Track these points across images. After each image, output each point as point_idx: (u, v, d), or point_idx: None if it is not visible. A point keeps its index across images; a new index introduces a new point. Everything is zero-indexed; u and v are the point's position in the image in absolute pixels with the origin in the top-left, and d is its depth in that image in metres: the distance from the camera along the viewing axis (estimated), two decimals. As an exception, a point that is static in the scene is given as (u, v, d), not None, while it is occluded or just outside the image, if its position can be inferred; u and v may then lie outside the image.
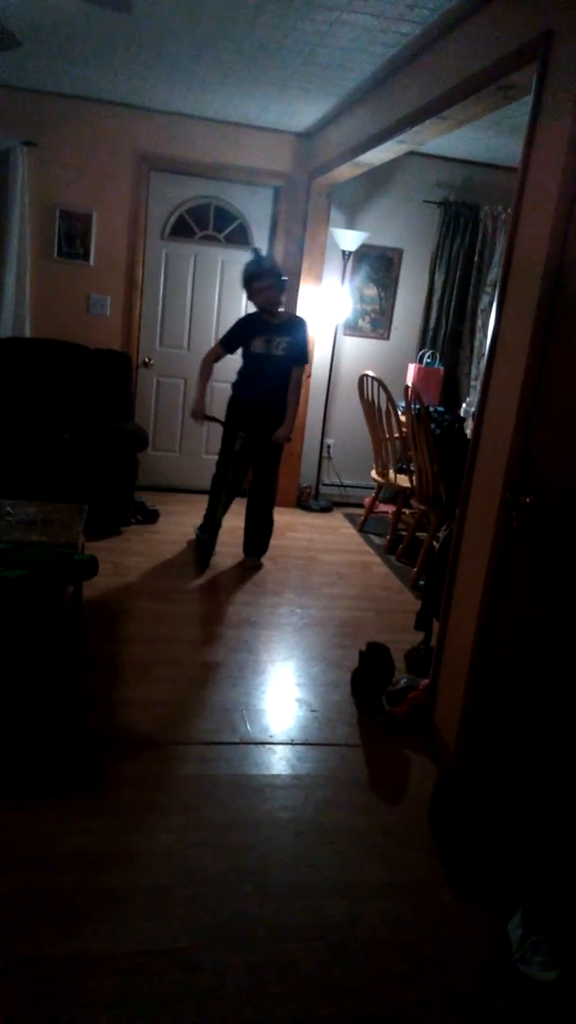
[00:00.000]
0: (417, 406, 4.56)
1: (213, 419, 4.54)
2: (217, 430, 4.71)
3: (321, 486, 6.24)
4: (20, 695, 2.63)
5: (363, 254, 5.89)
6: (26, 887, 2.07)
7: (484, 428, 2.68)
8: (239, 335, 4.43)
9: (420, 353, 6.00)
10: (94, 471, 4.84)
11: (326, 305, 5.88)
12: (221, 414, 4.60)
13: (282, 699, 3.24)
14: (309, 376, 5.88)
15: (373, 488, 5.69)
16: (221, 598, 4.18)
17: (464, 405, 5.63)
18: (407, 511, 5.38)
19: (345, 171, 4.95)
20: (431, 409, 5.02)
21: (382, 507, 5.82)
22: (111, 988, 1.80)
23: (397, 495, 5.37)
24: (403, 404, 5.04)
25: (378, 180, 5.73)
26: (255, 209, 5.80)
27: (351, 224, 5.84)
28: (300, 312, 5.67)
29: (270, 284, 4.29)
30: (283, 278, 4.40)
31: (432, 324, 6.03)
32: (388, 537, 5.36)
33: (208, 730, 2.92)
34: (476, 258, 5.95)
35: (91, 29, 3.79)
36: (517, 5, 2.66)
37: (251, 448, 4.48)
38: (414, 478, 4.86)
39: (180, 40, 3.78)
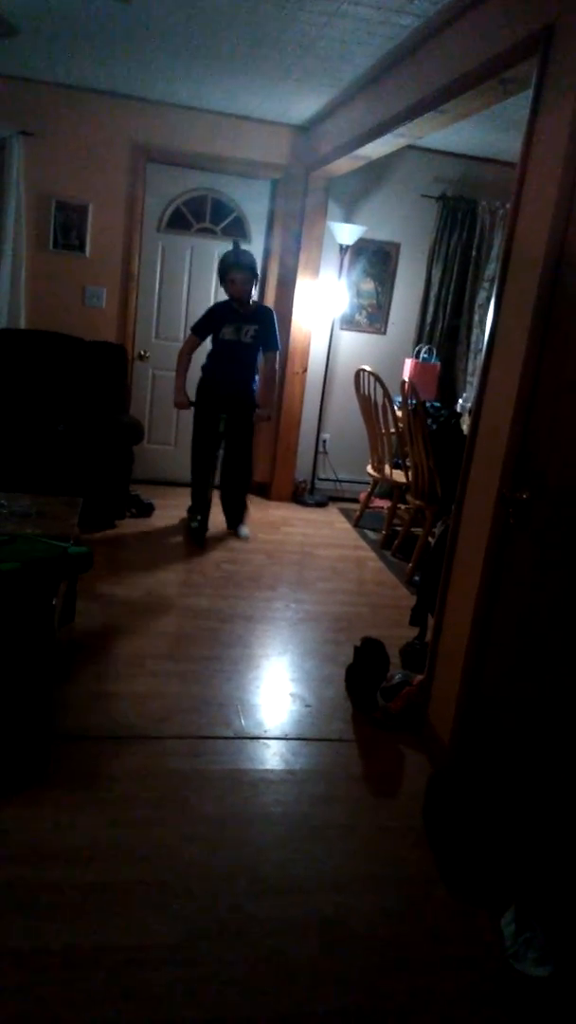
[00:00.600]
0: (413, 401, 4.55)
1: (195, 404, 4.86)
2: None
3: (317, 481, 6.23)
4: (11, 689, 2.62)
5: (360, 248, 5.88)
6: (19, 882, 2.06)
7: (481, 423, 2.67)
8: (210, 322, 4.74)
9: (417, 348, 5.99)
10: (89, 464, 4.83)
11: (323, 299, 5.86)
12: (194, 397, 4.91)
13: (276, 694, 3.23)
14: (305, 370, 5.88)
15: (369, 483, 5.68)
16: (215, 592, 4.17)
17: (461, 400, 5.63)
18: (403, 506, 5.38)
19: (343, 164, 4.93)
20: (427, 404, 5.01)
21: (378, 502, 5.81)
22: (105, 982, 1.80)
23: (393, 490, 5.36)
24: (399, 399, 5.04)
25: (376, 174, 5.71)
26: (252, 202, 5.77)
27: (348, 218, 5.82)
28: (296, 306, 5.67)
29: (245, 277, 4.56)
30: (257, 273, 4.68)
31: (429, 319, 6.02)
32: (383, 532, 5.36)
33: (202, 724, 2.91)
34: (474, 253, 5.94)
35: (89, 18, 3.76)
36: (518, -2, 2.65)
37: (228, 428, 4.86)
38: (410, 473, 4.85)
39: (178, 30, 3.75)
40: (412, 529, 5.16)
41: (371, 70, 3.97)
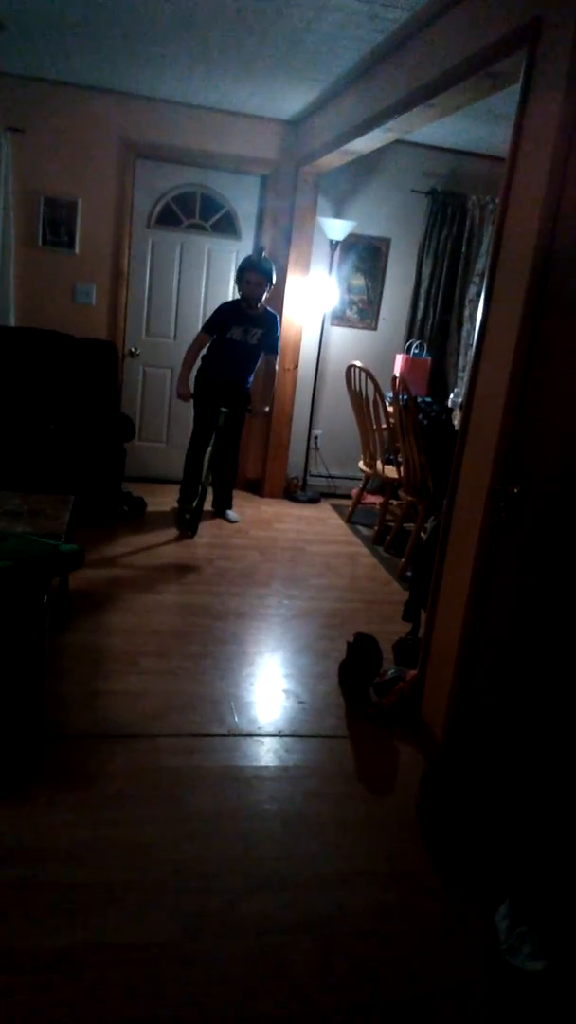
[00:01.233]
0: (405, 397, 4.55)
1: (195, 397, 5.03)
2: None
3: (309, 477, 6.23)
4: (3, 687, 2.61)
5: (350, 243, 5.87)
6: (13, 881, 2.05)
7: (472, 418, 2.67)
8: (221, 321, 4.93)
9: (408, 343, 5.99)
10: (80, 461, 4.81)
11: (313, 295, 5.85)
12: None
13: (270, 690, 3.23)
14: (296, 367, 5.87)
15: (361, 479, 5.68)
16: (208, 589, 4.16)
17: (452, 396, 5.62)
18: (395, 502, 5.38)
19: (332, 159, 4.92)
20: (419, 400, 5.01)
21: (370, 498, 5.81)
22: (101, 981, 1.79)
23: (385, 486, 5.36)
24: (391, 395, 5.03)
25: (365, 169, 5.70)
26: (242, 197, 5.75)
27: (338, 213, 5.81)
28: (287, 302, 5.66)
29: (260, 280, 4.80)
30: (273, 280, 4.87)
31: (420, 314, 6.01)
32: (376, 528, 5.36)
33: (195, 722, 2.91)
34: (464, 248, 5.93)
35: (76, 14, 3.73)
36: (506, -9, 2.64)
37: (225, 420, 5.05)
38: (402, 469, 4.85)
39: (165, 25, 3.73)
40: (404, 525, 5.16)
41: (359, 64, 3.96)
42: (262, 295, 4.84)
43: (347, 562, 4.87)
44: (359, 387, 5.23)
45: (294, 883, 2.18)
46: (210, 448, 5.03)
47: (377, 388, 5.05)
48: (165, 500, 5.47)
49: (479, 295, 5.35)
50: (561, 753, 2.13)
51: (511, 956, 1.99)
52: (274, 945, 1.96)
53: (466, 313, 6.01)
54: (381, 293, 6.08)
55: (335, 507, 6.01)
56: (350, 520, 5.67)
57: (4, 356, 5.16)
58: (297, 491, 6.13)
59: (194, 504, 5.03)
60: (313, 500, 6.09)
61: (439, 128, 4.90)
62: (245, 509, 5.62)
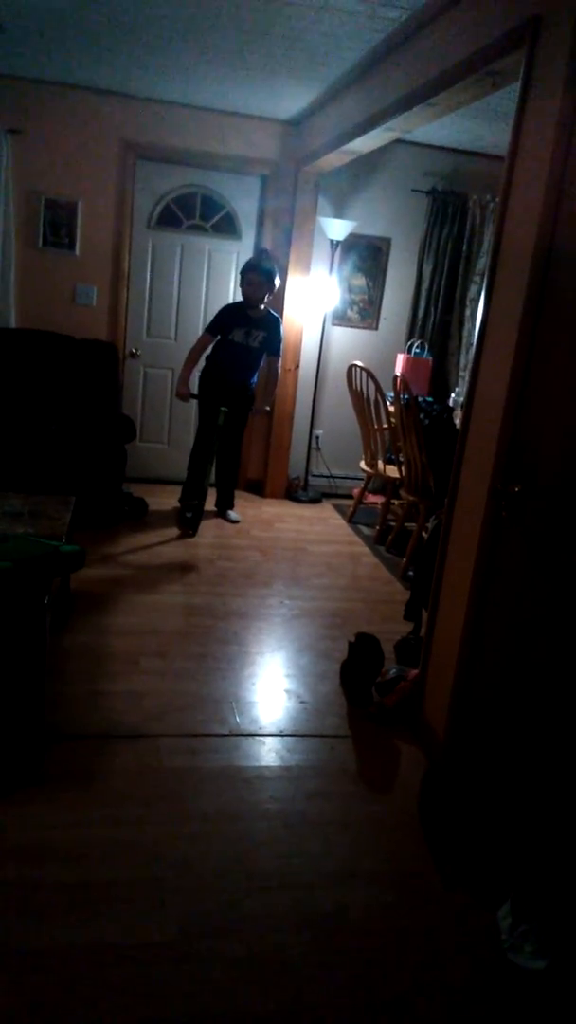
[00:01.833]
0: (406, 396, 4.55)
1: (195, 397, 5.03)
2: None
3: (310, 477, 6.23)
4: (5, 688, 2.61)
5: (351, 243, 5.87)
6: (15, 880, 2.06)
7: (473, 418, 2.67)
8: (223, 322, 4.92)
9: (409, 343, 5.99)
10: (81, 462, 4.82)
11: (314, 295, 5.85)
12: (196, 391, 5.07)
13: (271, 690, 3.23)
14: (297, 367, 5.87)
15: (362, 479, 5.68)
16: (209, 589, 4.16)
17: (453, 395, 5.62)
18: (396, 501, 5.38)
19: (332, 159, 4.92)
20: (420, 399, 5.01)
21: (371, 498, 5.81)
22: (103, 980, 1.79)
23: (386, 486, 5.36)
24: (392, 394, 5.03)
25: (366, 169, 5.70)
26: (242, 198, 5.76)
27: (339, 213, 5.81)
28: (287, 302, 5.66)
29: (260, 281, 4.78)
30: (275, 282, 4.85)
31: (421, 314, 6.01)
32: (377, 528, 5.36)
33: (197, 722, 2.91)
34: (464, 247, 5.93)
35: (76, 14, 3.74)
36: (505, -10, 2.64)
37: (225, 420, 5.08)
38: (403, 468, 4.85)
39: (164, 26, 3.74)
40: (406, 524, 5.16)
41: (359, 64, 3.96)
42: (263, 296, 4.82)
43: (349, 562, 4.87)
44: (360, 387, 5.23)
45: (295, 882, 2.18)
46: (212, 446, 5.04)
47: (378, 388, 5.05)
48: (166, 501, 5.47)
49: (480, 294, 5.35)
50: (563, 752, 2.13)
51: (513, 954, 1.99)
52: (276, 944, 1.96)
53: (467, 312, 6.00)
54: (382, 293, 6.08)
55: (336, 507, 6.01)
56: (351, 520, 5.67)
57: (5, 357, 5.17)
58: (298, 491, 6.13)
59: (195, 503, 5.04)
60: (314, 500, 6.09)
61: (439, 128, 4.90)
62: (247, 509, 5.62)
